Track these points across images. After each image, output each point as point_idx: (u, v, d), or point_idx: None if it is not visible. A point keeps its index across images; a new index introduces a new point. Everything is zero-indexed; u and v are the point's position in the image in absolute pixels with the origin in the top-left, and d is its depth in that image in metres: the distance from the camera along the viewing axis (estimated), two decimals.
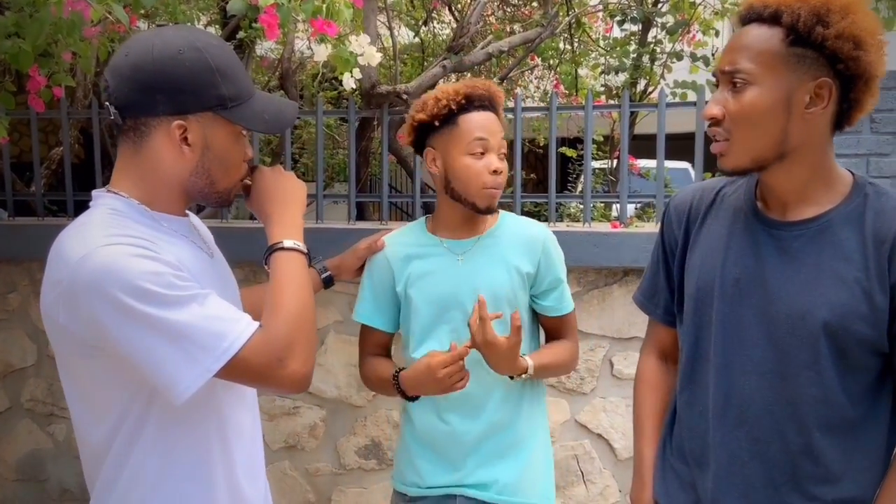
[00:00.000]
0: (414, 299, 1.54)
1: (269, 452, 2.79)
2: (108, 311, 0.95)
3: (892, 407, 1.12)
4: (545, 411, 1.66)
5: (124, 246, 0.97)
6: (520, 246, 1.55)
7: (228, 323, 0.99)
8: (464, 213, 1.53)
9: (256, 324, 1.01)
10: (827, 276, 1.06)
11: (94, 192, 1.11)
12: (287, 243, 1.11)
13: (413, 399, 1.54)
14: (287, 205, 1.17)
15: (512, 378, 1.50)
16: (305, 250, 1.13)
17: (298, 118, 4.58)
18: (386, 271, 1.58)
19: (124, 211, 1.06)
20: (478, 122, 1.48)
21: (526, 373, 1.48)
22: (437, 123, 1.48)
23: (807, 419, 1.09)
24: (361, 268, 1.62)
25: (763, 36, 1.04)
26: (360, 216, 4.09)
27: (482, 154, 1.48)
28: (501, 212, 1.63)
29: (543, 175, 2.82)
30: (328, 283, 1.59)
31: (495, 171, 1.48)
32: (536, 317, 1.64)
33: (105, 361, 1.00)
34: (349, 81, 2.02)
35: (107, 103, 1.06)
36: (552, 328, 1.65)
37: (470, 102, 1.47)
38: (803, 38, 1.01)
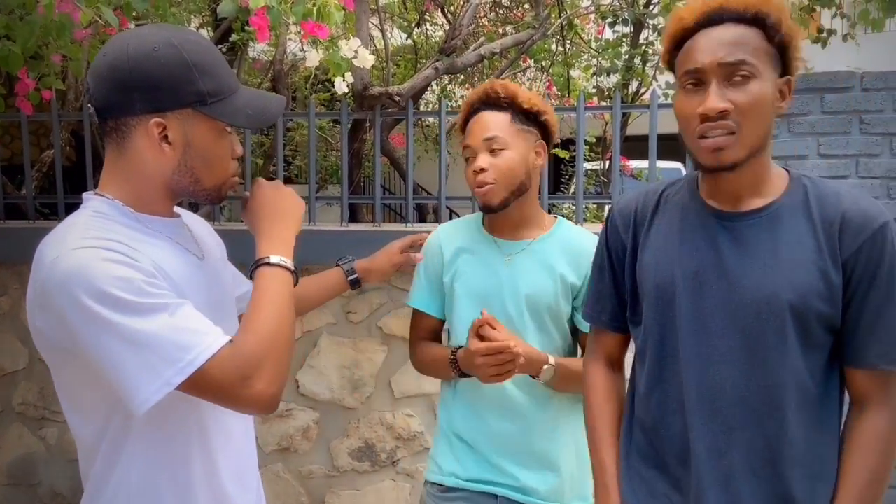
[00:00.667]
0: (457, 293, 1.56)
1: (262, 455, 2.78)
2: (75, 314, 0.93)
3: (840, 384, 1.17)
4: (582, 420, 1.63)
5: (97, 249, 0.95)
6: (568, 255, 1.53)
7: (195, 335, 0.95)
8: (506, 214, 1.53)
9: (226, 338, 0.98)
10: (785, 260, 1.11)
11: (84, 195, 1.10)
12: (273, 259, 1.09)
13: (466, 376, 1.54)
14: (280, 220, 1.15)
15: (534, 377, 1.49)
16: (292, 268, 1.11)
17: (291, 120, 4.59)
18: (438, 259, 1.60)
19: (108, 213, 1.05)
20: (468, 131, 1.54)
21: (546, 368, 1.46)
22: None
23: (779, 402, 1.12)
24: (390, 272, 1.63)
25: (750, 34, 1.08)
26: (353, 218, 4.08)
27: (470, 159, 1.52)
28: (559, 218, 1.62)
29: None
30: (355, 284, 1.59)
31: (475, 171, 1.49)
32: (576, 334, 1.59)
33: (81, 364, 0.98)
34: (341, 85, 2.03)
35: (89, 105, 1.06)
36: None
37: (470, 112, 1.54)
38: (780, 39, 1.09)
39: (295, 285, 1.11)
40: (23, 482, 2.94)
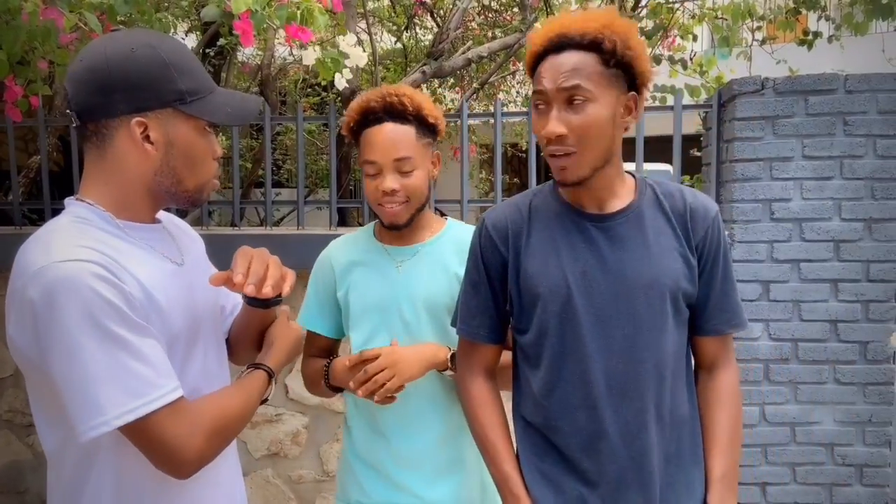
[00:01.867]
0: (353, 306, 1.52)
1: (252, 460, 2.78)
2: (47, 328, 0.93)
3: (688, 347, 1.34)
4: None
5: (84, 263, 0.95)
6: (461, 254, 1.49)
7: (147, 386, 0.96)
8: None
9: (179, 392, 0.99)
10: (655, 250, 1.26)
11: (66, 201, 1.10)
12: (267, 368, 1.19)
13: (336, 390, 1.53)
14: (287, 349, 1.25)
15: (445, 370, 1.47)
16: (274, 383, 1.20)
17: (280, 124, 4.60)
18: (329, 276, 1.56)
19: (88, 218, 1.05)
20: (368, 143, 1.44)
21: (452, 353, 1.45)
22: (350, 138, 1.49)
23: (665, 374, 1.26)
24: None
25: (587, 60, 1.18)
26: (342, 222, 4.08)
27: (374, 175, 1.44)
28: (448, 219, 1.60)
29: (528, 178, 2.84)
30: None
31: (385, 191, 1.42)
32: None
33: (46, 375, 0.97)
34: (341, 81, 2.02)
35: (68, 111, 1.06)
36: None
37: (365, 118, 1.43)
38: (618, 61, 1.18)
39: (265, 396, 1.19)
40: (10, 490, 2.92)
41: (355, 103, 1.45)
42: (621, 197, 1.29)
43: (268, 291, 1.09)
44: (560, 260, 1.27)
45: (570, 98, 1.18)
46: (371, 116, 1.43)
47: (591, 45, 1.17)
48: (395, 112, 1.42)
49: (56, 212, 3.19)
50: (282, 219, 6.04)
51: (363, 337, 1.51)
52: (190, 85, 1.06)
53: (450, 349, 1.47)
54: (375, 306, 1.50)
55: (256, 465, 2.76)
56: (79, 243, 0.98)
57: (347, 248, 1.58)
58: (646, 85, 1.24)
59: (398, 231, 1.49)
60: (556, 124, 1.18)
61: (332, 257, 1.58)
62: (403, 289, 1.49)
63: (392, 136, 1.42)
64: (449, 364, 1.46)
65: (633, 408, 1.25)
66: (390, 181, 1.42)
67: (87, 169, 1.09)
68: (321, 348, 1.60)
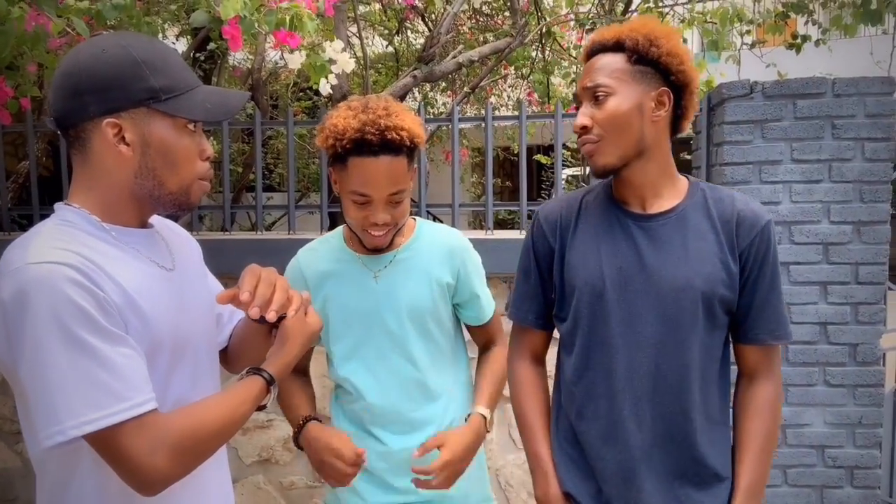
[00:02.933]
0: (332, 319, 1.49)
1: (243, 467, 2.76)
2: (15, 329, 0.92)
3: (728, 358, 1.37)
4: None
5: (59, 266, 0.93)
6: (439, 256, 1.50)
7: (110, 397, 0.93)
8: None
9: (148, 407, 0.96)
10: (694, 254, 1.30)
11: (56, 206, 1.09)
12: (266, 375, 1.12)
13: (299, 447, 1.52)
14: (296, 345, 1.17)
15: (489, 431, 1.53)
16: (275, 390, 1.13)
17: (271, 127, 4.59)
18: (301, 286, 1.49)
19: (74, 222, 1.04)
20: (360, 174, 1.35)
21: (488, 423, 1.52)
22: (331, 154, 1.40)
23: (690, 377, 1.30)
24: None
25: (612, 59, 1.29)
26: (334, 226, 4.08)
27: (363, 204, 1.38)
28: (417, 220, 1.56)
29: (520, 182, 2.85)
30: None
31: (374, 223, 1.39)
32: (460, 323, 1.62)
33: (18, 381, 0.96)
34: (325, 87, 2.02)
35: (50, 118, 1.05)
36: (479, 334, 1.64)
37: (359, 147, 1.34)
38: (643, 57, 1.27)
39: (262, 403, 1.12)
40: (0, 498, 2.90)
41: (343, 124, 1.35)
42: (667, 198, 1.34)
43: (272, 316, 1.08)
44: (599, 254, 1.34)
45: (595, 94, 1.29)
46: (366, 148, 1.34)
47: (616, 45, 1.29)
48: (392, 146, 1.35)
49: (45, 217, 3.17)
50: (273, 223, 6.02)
51: (345, 349, 1.50)
52: (164, 82, 1.03)
53: (484, 417, 1.52)
54: (357, 319, 1.48)
55: (247, 472, 2.75)
56: (58, 246, 0.96)
57: (318, 257, 1.53)
58: (687, 84, 1.30)
59: (382, 253, 1.48)
60: (581, 117, 1.30)
61: (303, 268, 1.53)
62: (385, 299, 1.47)
63: (388, 173, 1.35)
64: (489, 429, 1.52)
65: (650, 402, 1.30)
66: (383, 215, 1.38)
67: (75, 174, 1.08)
68: (299, 364, 1.57)
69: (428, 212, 2.94)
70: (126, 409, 0.94)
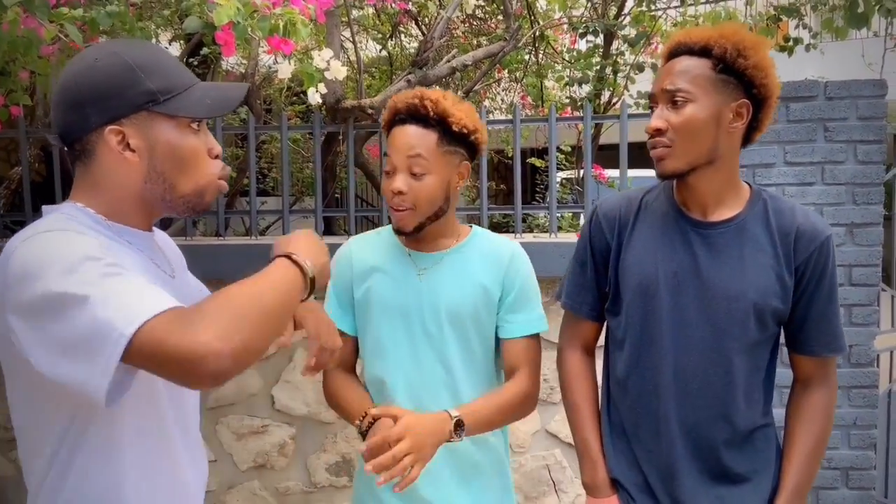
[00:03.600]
0: (373, 310, 1.49)
1: (238, 473, 2.75)
2: (22, 298, 0.89)
3: (773, 365, 1.41)
4: (505, 431, 1.59)
5: (66, 232, 0.93)
6: (486, 263, 1.49)
7: (127, 308, 0.86)
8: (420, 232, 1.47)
9: (172, 303, 0.88)
10: (749, 265, 1.31)
11: (57, 205, 1.06)
12: (295, 256, 1.00)
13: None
14: (313, 251, 1.06)
15: (450, 440, 1.37)
16: (310, 273, 1.01)
17: (265, 132, 4.57)
18: (347, 273, 1.53)
19: (78, 217, 1.03)
20: (391, 139, 1.44)
21: (453, 423, 1.36)
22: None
23: (735, 383, 1.33)
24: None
25: (696, 64, 1.27)
26: (329, 230, 4.07)
27: (389, 173, 1.44)
28: (473, 227, 1.57)
29: (514, 185, 2.85)
30: None
31: (393, 191, 1.42)
32: (498, 349, 1.54)
33: (27, 370, 0.92)
34: (314, 96, 2.03)
35: (55, 135, 1.05)
36: (507, 351, 1.51)
37: (394, 118, 1.45)
38: (728, 67, 1.26)
39: (309, 294, 1.02)
40: None
41: (391, 103, 1.47)
42: (729, 206, 1.34)
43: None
44: (656, 257, 1.36)
45: (673, 98, 1.28)
46: (398, 117, 1.43)
47: (702, 51, 1.27)
48: (418, 115, 1.41)
49: None
50: (267, 228, 6.01)
51: (380, 343, 1.49)
52: (161, 84, 1.02)
53: (451, 416, 1.37)
54: (396, 313, 1.48)
55: (243, 478, 2.74)
56: (66, 226, 0.96)
57: (369, 248, 1.56)
58: (767, 98, 1.29)
59: (408, 237, 1.48)
60: (656, 120, 1.29)
61: (352, 256, 1.56)
62: (426, 297, 1.47)
63: (409, 138, 1.41)
64: (453, 435, 1.36)
65: (693, 405, 1.34)
66: (399, 181, 1.41)
67: (75, 183, 1.07)
68: (346, 350, 1.51)
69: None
70: (152, 305, 0.87)
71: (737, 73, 1.26)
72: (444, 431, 1.36)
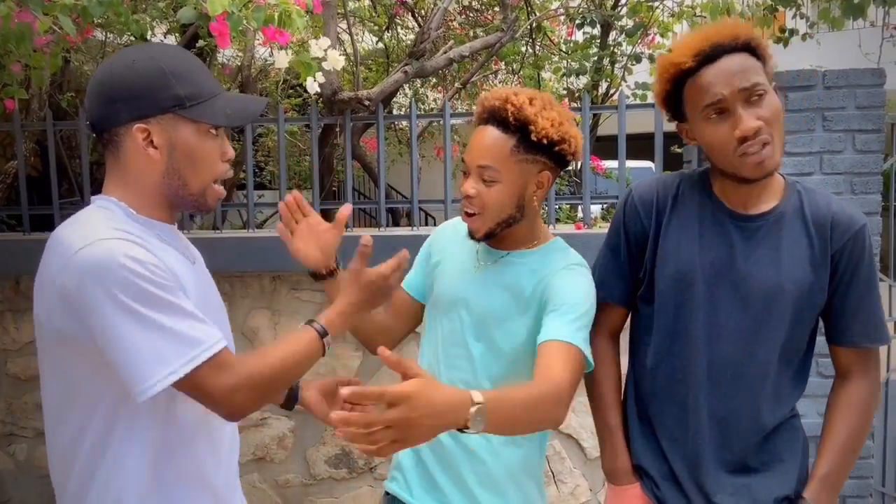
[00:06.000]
0: (434, 294, 1.53)
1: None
2: (98, 301, 1.00)
3: (810, 353, 1.41)
4: (543, 450, 1.50)
5: (124, 241, 1.03)
6: (535, 270, 1.41)
7: (203, 334, 1.05)
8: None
9: (220, 346, 1.07)
10: (787, 256, 1.31)
11: (93, 198, 1.18)
12: (319, 328, 1.20)
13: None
14: (356, 299, 1.25)
15: (462, 430, 1.05)
16: (328, 342, 1.21)
17: (261, 125, 4.58)
18: (427, 247, 1.60)
19: (114, 210, 1.13)
20: (472, 139, 1.40)
21: (473, 410, 1.03)
22: None
23: (767, 373, 1.33)
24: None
25: (749, 58, 1.26)
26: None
27: (465, 174, 1.41)
28: (558, 238, 1.48)
29: None
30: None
31: (465, 194, 1.39)
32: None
33: (80, 354, 1.05)
34: (313, 86, 2.01)
35: (87, 123, 1.14)
36: (543, 354, 1.28)
37: (479, 117, 1.40)
38: (765, 61, 1.28)
39: (323, 354, 1.21)
40: None
41: (480, 101, 1.42)
42: (765, 199, 1.34)
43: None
44: (693, 246, 1.35)
45: (750, 95, 1.23)
46: (483, 115, 1.38)
47: (745, 46, 1.26)
48: (500, 118, 1.34)
49: (34, 217, 3.15)
50: (264, 221, 5.99)
51: (427, 316, 1.55)
52: (189, 90, 1.13)
53: (473, 402, 1.04)
54: (446, 300, 1.49)
55: (242, 470, 2.73)
56: (113, 226, 1.07)
57: (451, 231, 1.57)
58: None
59: (477, 241, 1.44)
60: (752, 120, 1.22)
61: (442, 232, 1.59)
62: (472, 291, 1.44)
63: (483, 142, 1.36)
64: (468, 424, 1.04)
65: (725, 395, 1.33)
66: (468, 185, 1.38)
67: (108, 174, 1.17)
68: (397, 301, 1.57)
69: (420, 208, 2.93)
70: (201, 353, 1.05)
71: (765, 61, 1.28)
72: (456, 418, 1.04)
